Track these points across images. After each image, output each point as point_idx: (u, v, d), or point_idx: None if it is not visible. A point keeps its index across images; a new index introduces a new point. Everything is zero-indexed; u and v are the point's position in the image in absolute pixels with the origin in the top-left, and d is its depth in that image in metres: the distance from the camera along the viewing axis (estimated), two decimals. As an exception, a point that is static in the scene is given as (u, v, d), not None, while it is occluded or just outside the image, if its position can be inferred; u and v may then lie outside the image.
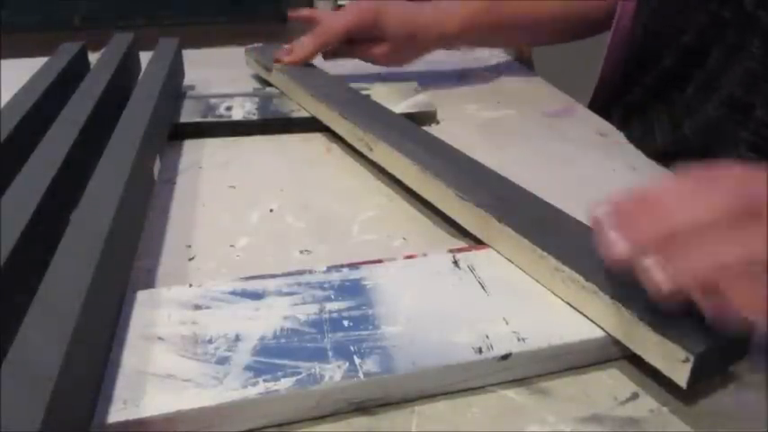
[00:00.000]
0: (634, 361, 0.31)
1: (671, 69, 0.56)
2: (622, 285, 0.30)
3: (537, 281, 0.34)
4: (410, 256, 0.36)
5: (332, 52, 0.66)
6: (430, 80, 0.69)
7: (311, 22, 0.69)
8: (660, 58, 0.57)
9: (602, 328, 0.31)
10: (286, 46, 0.65)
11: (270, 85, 0.66)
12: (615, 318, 0.30)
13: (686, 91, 0.54)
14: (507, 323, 0.31)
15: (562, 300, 0.33)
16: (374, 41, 0.64)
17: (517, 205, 0.38)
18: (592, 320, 0.31)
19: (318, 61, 0.65)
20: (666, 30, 0.56)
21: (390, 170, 0.46)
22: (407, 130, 0.49)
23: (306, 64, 0.64)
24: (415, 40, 0.64)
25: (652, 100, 0.59)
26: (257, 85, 0.68)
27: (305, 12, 0.73)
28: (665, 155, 0.53)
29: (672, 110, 0.56)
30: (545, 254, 0.34)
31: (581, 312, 0.32)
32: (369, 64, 0.67)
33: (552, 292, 0.33)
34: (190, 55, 0.66)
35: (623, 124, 0.61)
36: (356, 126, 0.50)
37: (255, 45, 0.72)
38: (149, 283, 0.37)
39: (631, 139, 0.57)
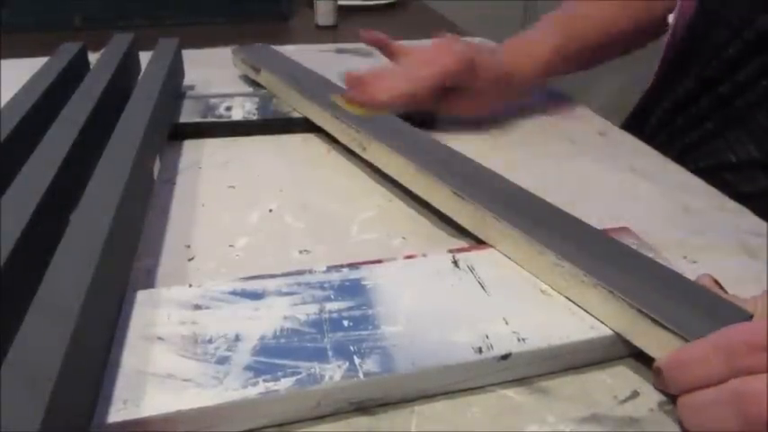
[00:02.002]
0: (634, 360, 0.31)
1: (734, 59, 0.54)
2: (622, 279, 0.31)
3: (537, 277, 0.34)
4: (410, 256, 0.36)
5: (415, 104, 0.54)
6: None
7: (386, 52, 0.60)
8: (727, 44, 0.55)
9: (602, 323, 0.31)
10: (358, 79, 0.53)
11: (259, 85, 0.65)
12: (616, 311, 0.30)
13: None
14: (507, 323, 0.31)
15: (562, 296, 0.33)
16: (462, 93, 0.55)
17: (514, 202, 0.39)
18: (593, 315, 0.32)
19: (315, 58, 0.65)
20: (737, 13, 0.54)
21: (385, 169, 0.46)
22: (400, 129, 0.49)
23: (294, 63, 0.62)
24: (509, 87, 0.57)
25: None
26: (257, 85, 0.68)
27: (379, 36, 0.60)
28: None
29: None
30: (544, 249, 0.34)
31: (581, 308, 0.32)
32: (359, 64, 0.65)
33: (552, 288, 0.34)
34: (190, 55, 0.66)
35: (664, 124, 0.61)
36: (348, 125, 0.50)
37: (242, 46, 0.71)
38: (149, 283, 0.37)
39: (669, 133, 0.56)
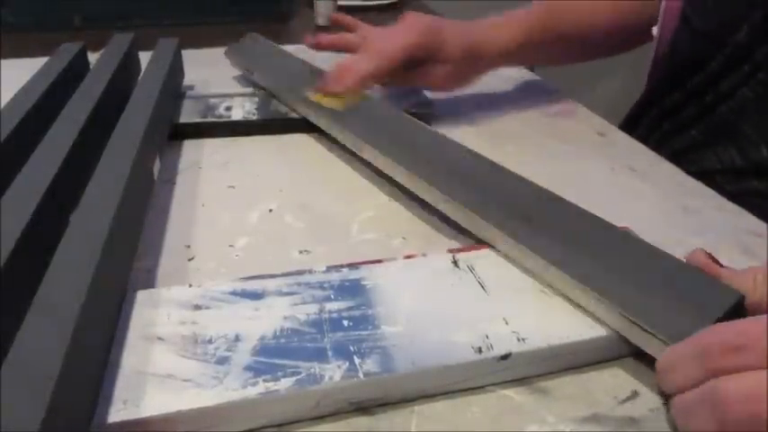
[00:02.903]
0: (634, 360, 0.31)
1: (718, 70, 0.55)
2: (614, 279, 0.31)
3: (533, 278, 0.35)
4: (410, 256, 0.36)
5: (386, 78, 0.57)
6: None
7: (351, 32, 0.62)
8: (710, 58, 0.55)
9: (600, 323, 0.31)
10: (329, 69, 0.55)
11: (257, 85, 0.65)
12: (610, 314, 0.30)
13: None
14: (507, 323, 0.31)
15: (560, 296, 0.33)
16: (431, 64, 0.56)
17: (510, 198, 0.39)
18: (591, 315, 0.32)
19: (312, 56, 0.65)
20: (719, 28, 0.54)
21: (382, 169, 0.46)
22: (399, 127, 0.49)
23: (289, 57, 0.62)
24: (477, 58, 0.58)
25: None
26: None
27: (348, 19, 0.65)
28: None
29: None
30: (536, 256, 0.34)
31: (578, 307, 0.32)
32: None
33: (550, 287, 0.34)
34: (189, 55, 0.66)
35: (654, 128, 0.61)
36: (344, 128, 0.50)
37: (233, 45, 0.71)
38: (149, 283, 0.37)
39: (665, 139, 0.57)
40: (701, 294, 0.30)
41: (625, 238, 0.36)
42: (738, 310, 0.30)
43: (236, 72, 0.70)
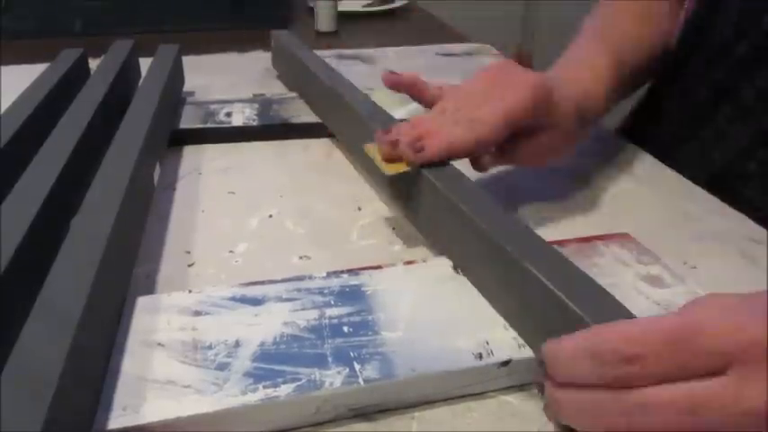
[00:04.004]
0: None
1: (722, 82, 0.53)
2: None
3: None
4: (410, 262, 0.36)
5: (488, 159, 0.42)
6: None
7: (422, 99, 0.45)
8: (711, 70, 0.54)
9: None
10: (406, 126, 0.40)
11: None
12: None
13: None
14: (507, 329, 0.31)
15: None
16: (533, 135, 0.42)
17: (479, 253, 0.34)
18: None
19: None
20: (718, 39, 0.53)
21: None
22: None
23: (313, 59, 0.61)
24: (585, 117, 0.45)
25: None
26: (257, 90, 0.68)
27: (405, 76, 0.44)
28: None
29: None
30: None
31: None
32: (361, 70, 0.65)
33: None
34: (190, 61, 0.67)
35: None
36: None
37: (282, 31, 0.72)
38: (149, 288, 0.37)
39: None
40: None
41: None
42: None
43: (237, 78, 0.71)
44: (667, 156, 0.56)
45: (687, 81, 0.57)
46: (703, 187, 0.49)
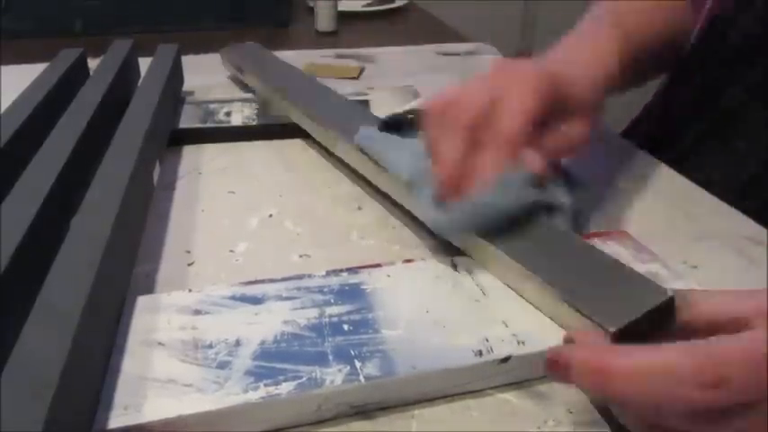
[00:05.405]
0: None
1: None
2: (557, 270, 0.32)
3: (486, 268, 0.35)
4: (409, 261, 0.37)
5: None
6: (429, 83, 0.69)
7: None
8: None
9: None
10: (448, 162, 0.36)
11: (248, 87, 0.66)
12: (549, 302, 0.32)
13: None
14: (507, 326, 0.31)
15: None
16: (556, 122, 0.40)
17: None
18: (531, 303, 0.33)
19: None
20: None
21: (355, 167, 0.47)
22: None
23: (279, 62, 0.62)
24: (596, 110, 0.44)
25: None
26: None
27: (440, 99, 0.39)
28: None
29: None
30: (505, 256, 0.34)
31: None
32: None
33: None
34: (189, 61, 0.67)
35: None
36: (323, 126, 0.51)
37: (229, 47, 0.72)
38: (149, 288, 0.37)
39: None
40: (633, 290, 0.30)
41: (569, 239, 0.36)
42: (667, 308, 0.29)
43: (235, 77, 0.71)
44: (686, 159, 0.55)
45: (710, 82, 0.56)
46: (732, 194, 0.48)
